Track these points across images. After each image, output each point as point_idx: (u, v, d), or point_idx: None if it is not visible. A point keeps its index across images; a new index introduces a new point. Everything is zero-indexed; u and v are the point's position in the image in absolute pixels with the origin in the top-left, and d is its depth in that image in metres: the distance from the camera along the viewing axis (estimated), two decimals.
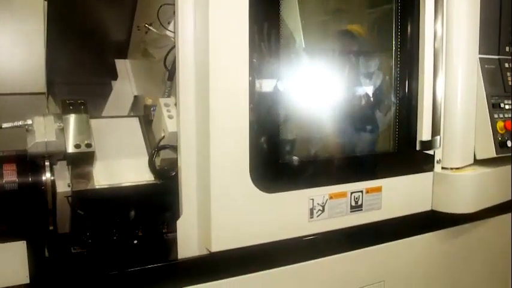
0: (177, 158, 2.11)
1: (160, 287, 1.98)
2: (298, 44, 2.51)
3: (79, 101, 2.14)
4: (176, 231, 2.09)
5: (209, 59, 1.91)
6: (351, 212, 2.31)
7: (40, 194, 2.06)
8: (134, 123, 2.41)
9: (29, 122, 2.02)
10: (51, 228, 2.10)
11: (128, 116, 2.83)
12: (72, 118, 2.09)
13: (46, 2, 2.87)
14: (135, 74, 3.12)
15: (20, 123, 2.02)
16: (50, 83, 3.20)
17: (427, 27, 2.43)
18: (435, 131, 2.43)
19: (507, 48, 2.77)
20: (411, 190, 2.51)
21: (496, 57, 2.72)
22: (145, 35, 2.72)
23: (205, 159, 1.97)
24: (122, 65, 3.19)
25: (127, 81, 3.12)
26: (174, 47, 2.26)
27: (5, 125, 2.00)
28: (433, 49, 2.45)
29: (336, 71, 2.62)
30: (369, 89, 2.70)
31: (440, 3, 2.41)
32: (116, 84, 3.18)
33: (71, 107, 2.12)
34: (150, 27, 2.53)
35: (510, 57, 2.77)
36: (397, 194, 2.44)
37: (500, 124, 2.62)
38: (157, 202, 2.26)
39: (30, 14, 3.17)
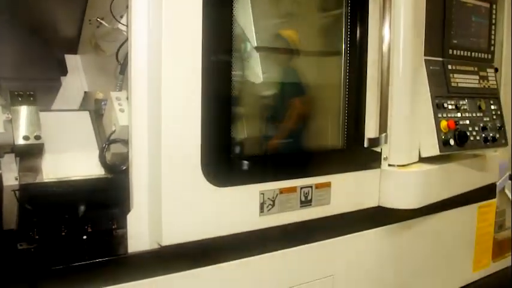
0: (128, 152, 2.10)
1: (110, 282, 1.95)
2: (249, 43, 2.55)
3: (28, 93, 2.10)
4: (126, 227, 2.09)
5: (162, 53, 1.92)
6: (300, 207, 2.35)
7: None
8: (84, 117, 2.38)
9: None
10: None
11: (78, 109, 2.79)
12: (21, 109, 2.05)
13: None
14: (86, 70, 3.08)
15: None
16: None
17: (374, 31, 2.53)
18: (382, 128, 2.51)
19: (450, 51, 2.89)
20: (359, 186, 2.58)
21: (440, 59, 2.83)
22: (97, 30, 2.69)
23: (157, 153, 1.97)
24: (72, 60, 3.15)
25: (77, 77, 3.08)
26: (126, 40, 2.25)
27: None
28: (380, 51, 2.54)
29: (286, 69, 2.68)
30: (319, 88, 2.76)
31: (387, 7, 2.50)
32: (66, 80, 3.12)
33: (19, 98, 2.07)
34: (102, 22, 2.51)
35: (453, 60, 2.89)
36: (346, 190, 2.51)
37: (443, 123, 2.72)
38: (108, 197, 2.24)
39: None
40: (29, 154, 2.06)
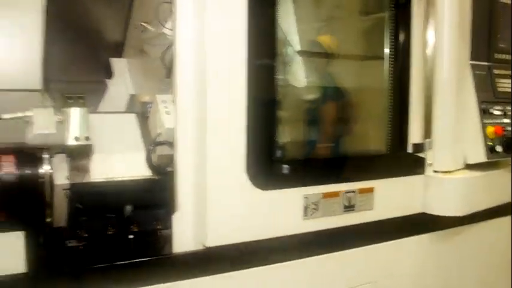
0: (173, 154, 2.14)
1: (155, 281, 1.99)
2: (293, 46, 2.56)
3: (78, 95, 2.15)
4: (171, 228, 2.12)
5: (207, 57, 1.96)
6: (344, 211, 2.34)
7: (38, 186, 2.07)
8: (131, 119, 2.42)
9: (29, 113, 2.02)
10: (48, 220, 2.10)
11: (125, 112, 2.85)
12: (71, 111, 2.10)
13: None
14: (131, 73, 3.13)
15: (20, 114, 2.02)
16: (45, 80, 3.21)
17: (418, 34, 2.50)
18: (427, 134, 2.48)
19: (496, 55, 2.83)
20: (403, 192, 2.55)
21: (486, 63, 2.78)
22: (142, 34, 2.75)
23: (202, 155, 2.00)
24: (118, 64, 3.20)
25: (123, 80, 3.13)
26: (171, 45, 2.29)
27: (5, 116, 2.01)
28: (424, 55, 2.51)
29: (327, 74, 2.67)
30: (361, 92, 2.75)
31: (431, 10, 2.47)
32: (112, 83, 3.19)
33: (70, 101, 2.13)
34: (147, 26, 2.56)
35: (499, 64, 2.84)
36: (389, 196, 2.48)
37: (490, 129, 2.67)
38: (153, 198, 2.27)
39: (28, 8, 3.18)
40: (79, 154, 2.11)
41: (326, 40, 2.73)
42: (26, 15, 3.18)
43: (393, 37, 2.50)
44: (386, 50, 2.53)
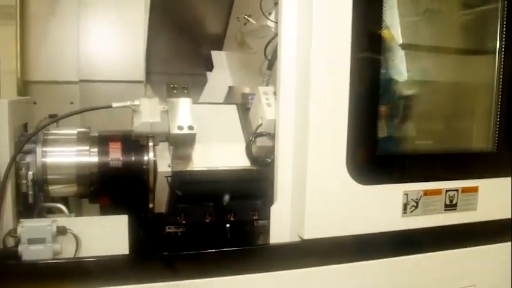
0: (273, 145, 2.15)
1: (251, 270, 2.01)
2: (395, 40, 2.49)
3: (182, 86, 2.22)
4: (267, 219, 2.15)
5: (311, 51, 1.95)
6: (444, 210, 2.26)
7: (142, 173, 2.16)
8: (232, 110, 2.47)
9: (137, 102, 2.11)
10: (151, 206, 2.19)
11: (226, 103, 2.91)
12: (176, 101, 2.17)
13: None
14: (231, 65, 3.19)
15: (129, 103, 2.11)
16: (147, 71, 3.35)
17: None
18: None
19: None
20: (509, 193, 2.42)
21: None
22: (244, 27, 2.79)
23: (303, 148, 2.00)
24: (218, 56, 3.28)
25: (222, 72, 3.20)
26: (274, 37, 2.31)
27: (115, 105, 2.11)
28: None
29: (429, 67, 2.58)
30: (465, 87, 2.63)
31: None
32: (211, 75, 3.27)
33: (175, 91, 2.20)
34: (250, 19, 2.59)
35: None
36: (494, 196, 2.36)
37: None
38: (251, 188, 2.32)
39: (133, 4, 3.33)
40: (182, 143, 2.18)
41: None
42: (131, 11, 3.34)
43: (505, 30, 2.36)
44: (497, 44, 2.40)
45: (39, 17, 3.32)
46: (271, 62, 2.38)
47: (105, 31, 3.43)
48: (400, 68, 2.45)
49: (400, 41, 2.49)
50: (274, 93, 2.21)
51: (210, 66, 3.30)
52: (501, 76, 2.38)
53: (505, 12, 2.36)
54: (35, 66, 3.29)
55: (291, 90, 2.05)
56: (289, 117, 2.06)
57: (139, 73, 3.33)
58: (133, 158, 2.19)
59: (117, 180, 2.18)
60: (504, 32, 2.37)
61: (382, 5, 2.10)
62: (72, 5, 3.36)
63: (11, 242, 1.93)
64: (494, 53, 2.44)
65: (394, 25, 2.46)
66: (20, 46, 3.13)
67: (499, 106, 2.38)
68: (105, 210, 2.28)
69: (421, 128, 2.48)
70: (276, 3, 2.21)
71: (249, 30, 2.77)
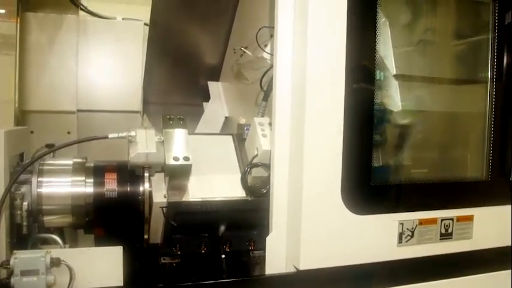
0: (268, 176, 2.16)
1: None
2: (389, 70, 2.53)
3: (179, 117, 2.24)
4: (262, 250, 2.14)
5: (306, 82, 1.97)
6: (440, 239, 2.26)
7: (138, 203, 2.16)
8: (228, 141, 2.48)
9: (133, 133, 2.12)
10: (146, 236, 2.19)
11: (222, 133, 2.92)
12: (172, 132, 2.18)
13: (148, 27, 3.04)
14: (227, 96, 3.22)
15: (125, 134, 2.13)
16: (145, 102, 3.38)
17: None
18: None
19: None
20: (505, 221, 2.42)
21: None
22: (240, 58, 2.82)
23: (298, 178, 2.01)
24: (215, 87, 3.30)
25: (219, 103, 3.22)
26: (270, 68, 2.33)
27: (111, 135, 2.12)
28: None
29: (422, 97, 2.61)
30: (458, 116, 2.66)
31: None
32: (208, 106, 3.29)
33: (171, 122, 2.22)
34: (246, 51, 2.62)
35: None
36: (490, 225, 2.37)
37: None
38: (247, 219, 2.31)
39: (131, 36, 3.38)
40: (178, 174, 2.18)
41: None
42: (129, 43, 3.39)
43: (496, 60, 2.40)
44: (489, 74, 2.43)
45: (38, 47, 3.36)
46: (267, 93, 2.40)
47: (104, 62, 3.49)
48: (394, 98, 2.47)
49: (394, 72, 2.52)
50: (270, 124, 2.23)
51: (206, 97, 3.32)
52: (493, 105, 2.40)
53: (496, 42, 2.40)
54: (33, 95, 3.32)
55: (286, 121, 2.07)
56: (284, 148, 2.07)
57: (137, 103, 3.37)
58: (128, 189, 2.20)
59: (113, 210, 2.19)
60: (495, 62, 2.40)
61: (376, 37, 2.13)
62: (71, 36, 3.41)
63: (3, 273, 1.91)
64: (487, 82, 2.47)
65: (387, 56, 2.49)
66: (19, 76, 3.16)
67: (492, 135, 2.40)
68: (100, 241, 2.27)
69: (416, 157, 2.49)
70: (272, 35, 2.24)
71: (245, 62, 2.80)
